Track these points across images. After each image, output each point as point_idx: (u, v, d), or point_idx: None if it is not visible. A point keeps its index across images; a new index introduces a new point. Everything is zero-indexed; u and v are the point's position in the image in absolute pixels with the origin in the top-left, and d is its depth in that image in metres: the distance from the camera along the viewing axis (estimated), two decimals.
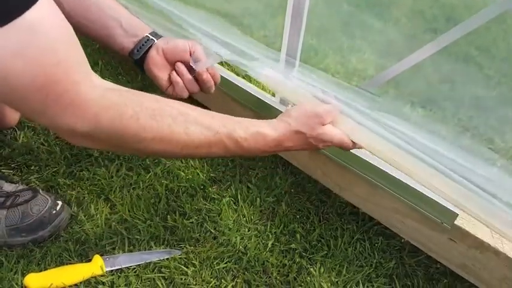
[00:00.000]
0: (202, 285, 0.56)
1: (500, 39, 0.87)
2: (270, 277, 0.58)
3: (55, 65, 0.38)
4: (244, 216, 0.65)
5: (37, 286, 0.54)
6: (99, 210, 0.64)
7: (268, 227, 0.64)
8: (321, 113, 0.50)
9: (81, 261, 0.57)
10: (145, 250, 0.60)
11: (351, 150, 0.60)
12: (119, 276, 0.56)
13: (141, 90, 0.47)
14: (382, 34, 0.78)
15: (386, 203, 0.61)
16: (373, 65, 0.76)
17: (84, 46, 0.42)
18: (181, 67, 0.58)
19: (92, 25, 0.40)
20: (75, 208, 0.64)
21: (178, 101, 0.48)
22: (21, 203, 0.59)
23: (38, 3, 0.35)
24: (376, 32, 0.78)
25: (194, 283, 0.56)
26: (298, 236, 0.63)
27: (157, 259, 0.58)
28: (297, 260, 0.60)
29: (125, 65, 0.88)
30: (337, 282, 0.57)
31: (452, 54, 0.83)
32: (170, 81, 0.59)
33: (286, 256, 0.60)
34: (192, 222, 0.63)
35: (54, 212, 0.60)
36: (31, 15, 0.35)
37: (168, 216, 0.64)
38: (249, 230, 0.63)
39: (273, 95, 0.71)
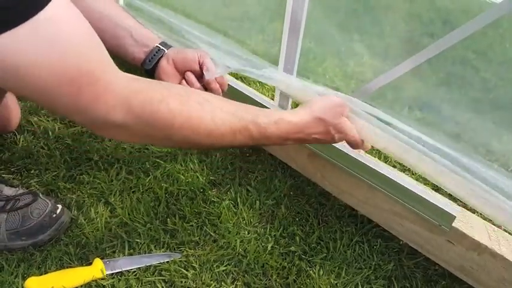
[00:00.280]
0: None
1: (497, 43, 0.88)
2: (269, 279, 0.58)
3: (84, 57, 0.39)
4: (244, 219, 0.65)
5: None
6: (99, 214, 0.64)
7: (268, 229, 0.64)
8: (343, 104, 0.52)
9: (82, 265, 0.57)
10: (145, 253, 0.60)
11: (349, 153, 0.61)
12: (119, 280, 0.56)
13: None
14: (380, 38, 0.79)
15: (385, 206, 0.61)
16: (371, 69, 0.77)
17: None
18: (190, 76, 0.60)
19: (103, 34, 0.41)
20: (75, 212, 0.64)
21: (200, 90, 0.49)
22: (22, 206, 0.60)
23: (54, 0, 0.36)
24: (374, 36, 0.79)
25: (194, 286, 0.56)
26: (297, 238, 0.63)
27: (158, 262, 0.58)
28: (297, 262, 0.60)
29: (134, 72, 0.88)
30: (336, 284, 0.57)
31: (449, 57, 0.84)
32: None
33: (285, 258, 0.60)
34: (192, 226, 0.64)
35: (54, 215, 0.60)
36: (52, 10, 0.35)
37: (168, 219, 0.64)
38: (248, 233, 0.63)
39: (272, 98, 0.71)
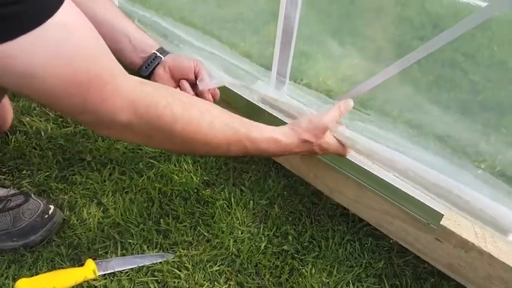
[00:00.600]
0: None
1: (485, 46, 0.90)
2: (262, 279, 0.58)
3: (92, 60, 0.40)
4: (238, 219, 0.66)
5: None
6: (91, 214, 0.64)
7: (261, 229, 0.65)
8: (327, 124, 0.55)
9: (74, 266, 0.57)
10: (138, 254, 0.60)
11: None
12: (112, 280, 0.56)
13: None
14: (371, 41, 0.80)
15: (375, 205, 0.62)
16: (363, 71, 0.78)
17: None
18: (185, 84, 0.62)
19: (103, 38, 0.43)
20: (67, 212, 0.64)
21: (201, 99, 0.52)
22: (13, 207, 0.59)
23: (63, 5, 0.37)
24: (366, 39, 0.81)
25: (187, 286, 0.56)
26: (290, 237, 0.64)
27: (150, 263, 0.58)
28: (289, 261, 0.61)
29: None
30: (328, 282, 0.58)
31: (438, 60, 0.85)
32: None
33: (278, 258, 0.61)
34: (185, 226, 0.64)
35: (46, 216, 0.60)
36: (60, 16, 0.36)
37: (161, 219, 0.64)
38: (242, 233, 0.64)
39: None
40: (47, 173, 0.70)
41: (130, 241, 0.61)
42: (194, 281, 0.57)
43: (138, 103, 0.44)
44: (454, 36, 0.48)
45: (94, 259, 0.57)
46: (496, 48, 0.85)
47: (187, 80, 0.62)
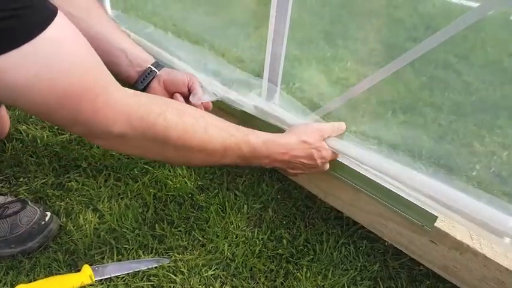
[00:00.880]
0: None
1: (478, 47, 0.90)
2: (257, 283, 0.58)
3: (85, 73, 0.40)
4: (232, 224, 0.66)
5: None
6: (87, 220, 0.65)
7: (256, 233, 0.65)
8: (322, 129, 0.57)
9: (71, 271, 0.58)
10: (134, 259, 0.60)
11: None
12: (108, 285, 0.56)
13: None
14: (364, 43, 0.80)
15: (369, 207, 0.63)
16: (355, 74, 0.79)
17: None
18: (179, 98, 0.64)
19: (99, 53, 0.44)
20: (64, 219, 0.65)
21: (194, 107, 0.53)
22: (10, 214, 0.60)
23: (55, 19, 0.38)
24: (358, 42, 0.81)
25: None
26: (284, 241, 0.64)
27: (146, 268, 0.59)
28: (284, 265, 0.61)
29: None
30: (323, 286, 0.58)
31: (432, 61, 0.85)
32: None
33: (273, 261, 0.61)
34: (180, 231, 0.64)
35: (43, 223, 0.60)
36: (52, 30, 0.37)
37: (156, 225, 0.65)
38: (236, 237, 0.64)
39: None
40: (44, 180, 0.70)
41: (126, 246, 0.61)
42: (189, 285, 0.57)
43: (131, 114, 0.44)
44: (447, 36, 0.48)
45: (90, 265, 0.58)
46: (489, 49, 0.85)
47: (180, 93, 0.64)
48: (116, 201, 0.68)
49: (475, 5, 0.46)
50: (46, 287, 0.55)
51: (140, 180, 0.72)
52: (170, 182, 0.72)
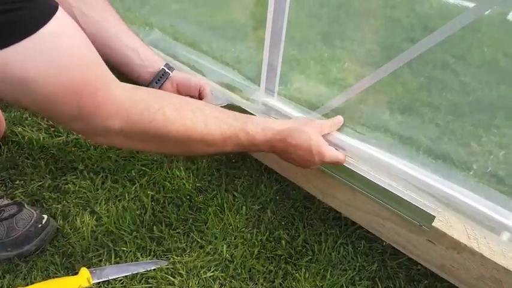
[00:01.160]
0: None
1: (475, 47, 0.90)
2: (256, 284, 0.58)
3: (85, 68, 0.40)
4: (231, 225, 0.66)
5: None
6: (85, 223, 0.64)
7: (254, 234, 0.65)
8: (322, 123, 0.58)
9: (68, 275, 0.57)
10: (132, 261, 0.60)
11: None
12: None
13: None
14: (361, 44, 0.80)
15: (367, 207, 0.63)
16: (353, 74, 0.79)
17: None
18: None
19: (112, 53, 0.44)
20: (60, 221, 0.64)
21: (193, 99, 0.53)
22: (7, 217, 0.59)
23: (56, 15, 0.37)
24: (356, 42, 0.81)
25: None
26: (283, 242, 0.64)
27: (144, 270, 0.58)
28: (283, 266, 0.61)
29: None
30: (322, 286, 0.58)
31: (429, 62, 0.85)
32: None
33: (272, 262, 0.61)
34: (179, 232, 0.64)
35: (39, 225, 0.60)
36: (52, 25, 0.37)
37: (155, 227, 0.64)
38: (235, 238, 0.64)
39: None
40: (40, 183, 0.70)
41: (124, 249, 0.61)
42: (188, 287, 0.57)
43: (131, 109, 0.44)
44: (444, 36, 0.48)
45: (88, 267, 0.57)
46: (486, 49, 0.85)
47: (191, 97, 0.65)
48: (114, 204, 0.67)
49: (471, 5, 0.46)
50: None
51: (138, 182, 0.71)
52: (168, 184, 0.71)
